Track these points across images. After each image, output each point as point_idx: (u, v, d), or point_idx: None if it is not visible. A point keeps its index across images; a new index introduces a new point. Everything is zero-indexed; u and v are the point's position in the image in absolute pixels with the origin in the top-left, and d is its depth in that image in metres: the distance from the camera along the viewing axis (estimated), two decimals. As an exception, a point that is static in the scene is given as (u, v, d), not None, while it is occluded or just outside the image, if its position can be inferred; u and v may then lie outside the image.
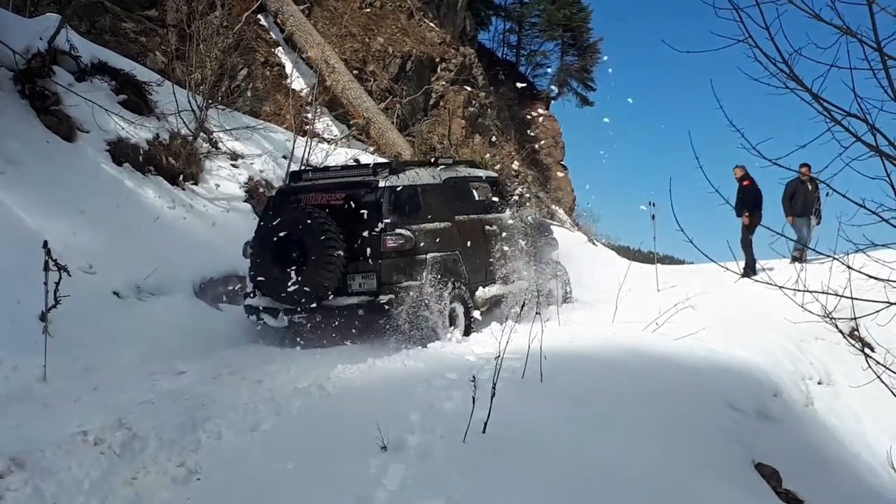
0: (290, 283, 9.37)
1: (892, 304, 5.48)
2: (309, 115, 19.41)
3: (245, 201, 14.82)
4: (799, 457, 8.04)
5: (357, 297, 9.57)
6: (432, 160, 12.10)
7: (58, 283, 8.08)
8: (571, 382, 7.42)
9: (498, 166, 21.98)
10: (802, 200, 16.91)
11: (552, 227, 14.31)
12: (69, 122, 12.33)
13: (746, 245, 15.82)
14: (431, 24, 27.67)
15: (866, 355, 6.09)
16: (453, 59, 27.11)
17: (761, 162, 5.29)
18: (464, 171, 11.98)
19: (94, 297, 9.98)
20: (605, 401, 7.14)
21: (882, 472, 8.63)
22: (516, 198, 12.54)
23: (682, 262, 25.30)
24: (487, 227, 11.47)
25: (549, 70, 43.75)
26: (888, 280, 5.39)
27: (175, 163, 13.79)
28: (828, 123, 5.12)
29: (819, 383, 10.24)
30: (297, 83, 21.29)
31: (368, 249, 9.60)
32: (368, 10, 25.62)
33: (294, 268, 9.40)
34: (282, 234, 9.56)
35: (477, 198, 12.12)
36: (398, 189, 10.01)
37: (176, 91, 14.53)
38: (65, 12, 13.98)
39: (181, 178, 13.86)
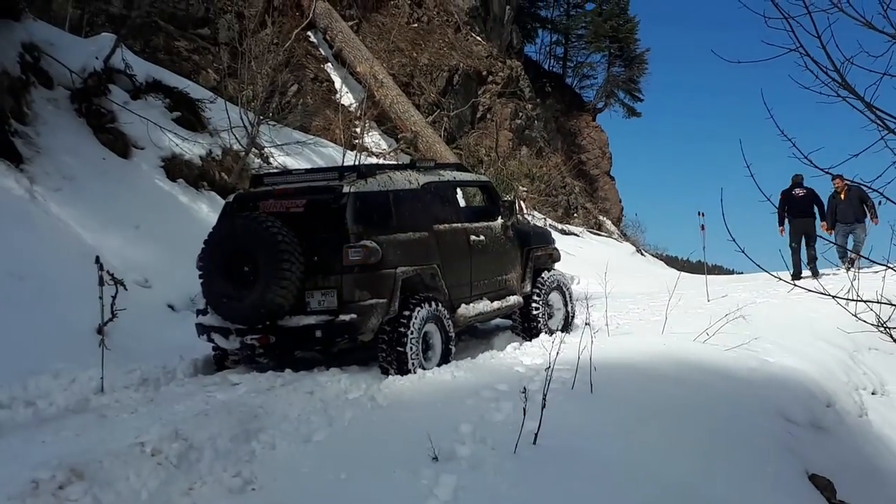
0: (239, 300, 8.34)
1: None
2: (358, 130, 19.60)
3: (296, 215, 14.97)
4: (853, 468, 7.94)
5: (315, 317, 8.36)
6: (410, 163, 10.76)
7: (114, 297, 8.27)
8: (622, 394, 7.41)
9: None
10: (835, 210, 17.45)
11: (548, 233, 12.72)
12: (124, 139, 12.61)
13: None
14: (478, 38, 27.80)
15: (920, 366, 6.04)
16: (500, 72, 27.23)
17: (814, 171, 5.27)
18: (448, 176, 10.52)
19: (150, 311, 10.18)
20: (656, 412, 7.11)
21: (938, 484, 8.50)
22: (507, 203, 11.15)
23: (731, 272, 25.13)
24: (473, 237, 10.10)
25: (595, 81, 43.72)
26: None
27: (227, 178, 14.01)
28: (881, 132, 5.10)
29: (873, 394, 10.09)
30: (346, 98, 21.55)
31: (329, 263, 8.41)
32: (416, 25, 25.83)
33: (245, 283, 8.33)
34: (231, 246, 8.48)
35: (462, 205, 11.20)
36: (366, 195, 8.74)
37: (228, 108, 14.78)
38: (120, 32, 14.27)
39: (234, 192, 14.06)
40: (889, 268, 5.76)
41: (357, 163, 16.20)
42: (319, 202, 8.62)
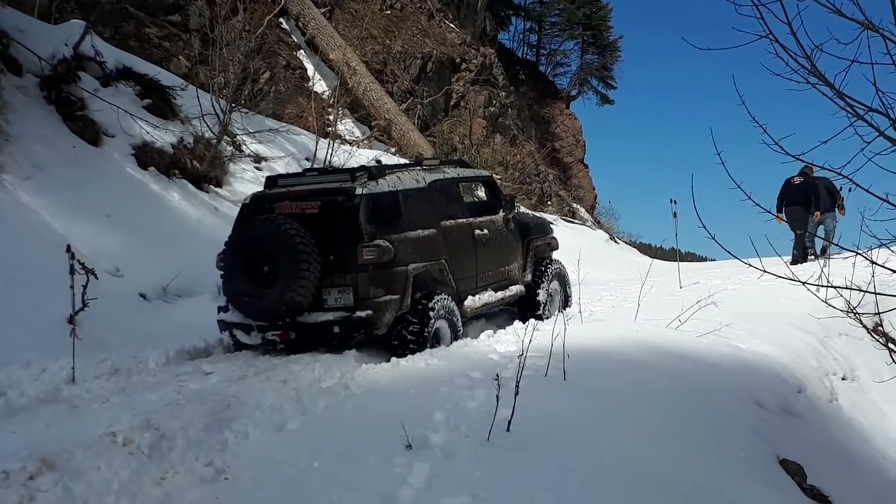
0: (260, 298, 8.73)
1: (916, 298, 5.47)
2: (331, 117, 19.53)
3: (269, 203, 14.92)
4: (824, 453, 8.02)
5: (333, 313, 8.79)
6: (416, 161, 11.27)
7: (85, 287, 8.21)
8: (595, 380, 7.44)
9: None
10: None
11: (548, 223, 13.40)
12: (95, 126, 12.50)
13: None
14: (451, 25, 27.74)
15: (890, 350, 6.09)
16: (473, 60, 27.20)
17: (784, 158, 5.29)
18: (451, 173, 10.94)
19: (121, 300, 10.12)
20: (628, 398, 7.14)
21: (907, 468, 8.61)
22: (508, 197, 11.73)
23: (704, 259, 25.27)
24: (477, 231, 10.54)
25: (569, 69, 43.77)
26: (912, 275, 5.38)
27: (199, 166, 13.94)
28: (850, 118, 5.12)
29: (843, 379, 10.18)
30: (319, 85, 21.47)
31: (345, 262, 8.82)
32: (389, 12, 25.75)
33: (265, 282, 8.71)
34: (252, 247, 8.84)
35: (466, 200, 11.63)
36: (377, 196, 9.17)
37: (199, 95, 14.68)
38: (89, 18, 14.13)
39: (205, 181, 13.99)
40: (858, 254, 5.80)
41: (328, 149, 16.20)
42: (333, 204, 8.96)
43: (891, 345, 9.61)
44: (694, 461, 6.26)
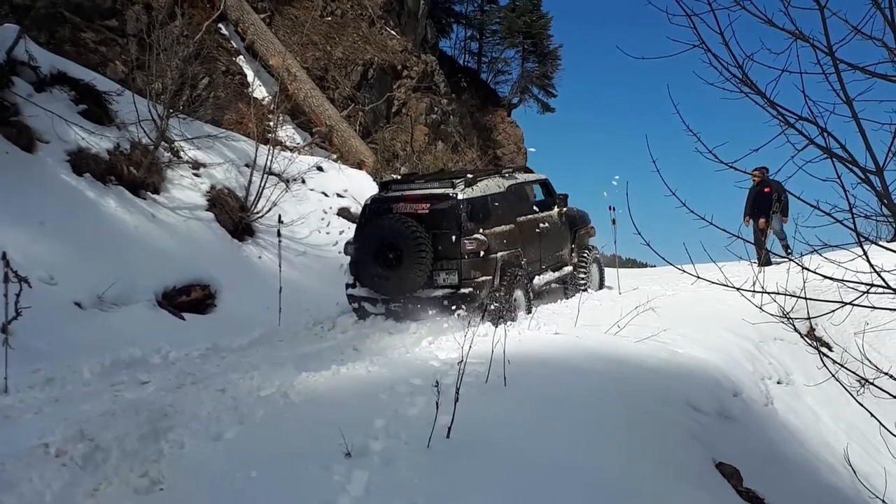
0: (388, 279, 11.37)
1: (845, 303, 5.55)
2: (271, 124, 19.38)
3: (207, 210, 14.76)
4: (759, 456, 8.12)
5: (442, 290, 11.40)
6: (498, 171, 13.97)
7: (18, 295, 8.03)
8: (535, 386, 7.46)
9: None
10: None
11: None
12: (29, 132, 12.27)
13: (761, 245, 16.20)
14: (392, 33, 27.68)
15: (821, 354, 6.18)
16: (415, 67, 27.15)
17: (718, 165, 5.35)
18: (521, 178, 13.89)
19: (56, 309, 9.93)
20: (568, 404, 7.18)
21: (841, 469, 8.72)
22: (561, 196, 14.50)
23: (645, 265, 25.52)
24: (541, 225, 13.42)
25: (510, 77, 43.94)
26: (842, 280, 5.46)
27: (136, 172, 13.74)
28: (781, 127, 5.19)
29: (779, 383, 10.32)
30: (259, 91, 21.27)
31: (451, 251, 11.36)
32: (329, 18, 25.60)
33: (391, 266, 11.30)
34: (381, 239, 11.39)
35: (531, 199, 14.08)
36: (473, 199, 11.77)
37: (136, 100, 14.46)
38: (24, 23, 13.89)
39: (143, 187, 13.80)
40: (791, 260, 5.89)
41: (268, 156, 16.16)
42: (440, 205, 11.59)
43: (823, 349, 9.81)
44: (631, 465, 6.31)
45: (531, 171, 15.37)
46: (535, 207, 13.78)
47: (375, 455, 5.66)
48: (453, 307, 10.96)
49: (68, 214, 11.62)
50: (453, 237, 11.37)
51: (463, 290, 11.33)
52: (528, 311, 11.92)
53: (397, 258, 11.29)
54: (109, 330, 10.17)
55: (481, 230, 11.56)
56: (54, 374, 8.19)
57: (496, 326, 9.42)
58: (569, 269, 14.23)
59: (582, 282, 14.30)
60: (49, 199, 11.57)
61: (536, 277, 12.92)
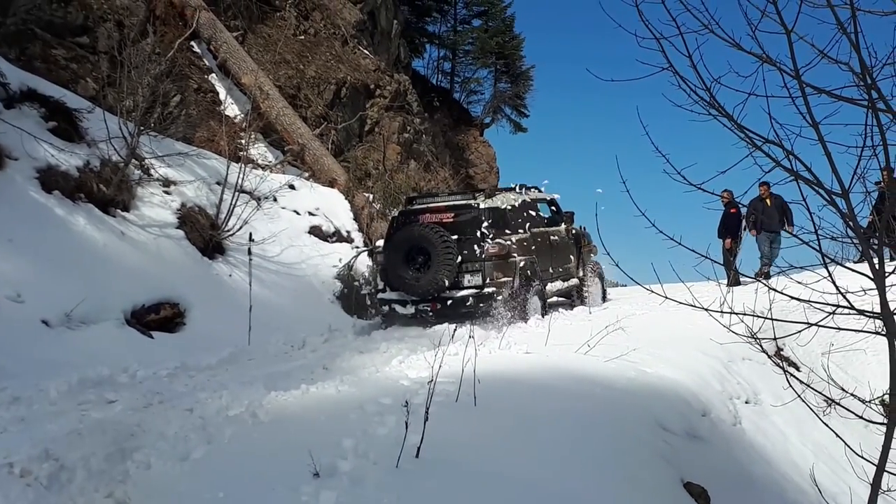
0: (418, 280, 12.69)
1: (811, 325, 5.61)
2: (243, 141, 19.35)
3: (177, 228, 14.70)
4: (727, 475, 8.15)
5: (467, 291, 12.73)
6: (513, 188, 15.33)
7: (-16, 313, 7.98)
8: (505, 405, 7.46)
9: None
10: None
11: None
12: (-3, 149, 12.16)
13: (729, 265, 16.35)
14: (366, 52, 27.75)
15: (787, 374, 6.23)
16: (388, 86, 27.22)
17: (686, 187, 5.39)
18: (533, 195, 15.33)
19: (23, 327, 9.86)
20: (537, 423, 7.18)
21: (808, 488, 8.76)
22: (568, 214, 15.99)
23: (616, 285, 25.59)
24: (551, 238, 14.99)
25: (483, 97, 44.18)
26: (808, 301, 5.52)
27: (106, 190, 13.66)
28: (748, 149, 5.23)
29: (747, 402, 10.37)
30: (231, 109, 21.23)
31: (475, 255, 12.78)
32: (302, 37, 25.63)
33: (420, 269, 12.71)
34: (411, 244, 12.76)
35: (542, 215, 15.31)
36: (493, 210, 13.34)
37: (107, 118, 14.37)
38: (-8, 39, 13.80)
39: (112, 205, 13.72)
40: (759, 281, 5.93)
41: (240, 174, 16.13)
42: (464, 214, 13.18)
43: (791, 369, 9.89)
44: (600, 485, 6.32)
45: (541, 191, 16.55)
46: (545, 221, 15.22)
47: (344, 475, 5.62)
48: (480, 304, 12.50)
49: (37, 232, 11.53)
50: (477, 242, 12.79)
51: (486, 290, 12.67)
52: (543, 315, 13.14)
53: (426, 261, 12.68)
54: (77, 348, 10.08)
55: (502, 237, 13.02)
56: (20, 392, 8.09)
57: (507, 327, 11.37)
58: (575, 281, 15.78)
59: (586, 294, 15.89)
60: (17, 217, 11.48)
61: (549, 284, 14.33)
